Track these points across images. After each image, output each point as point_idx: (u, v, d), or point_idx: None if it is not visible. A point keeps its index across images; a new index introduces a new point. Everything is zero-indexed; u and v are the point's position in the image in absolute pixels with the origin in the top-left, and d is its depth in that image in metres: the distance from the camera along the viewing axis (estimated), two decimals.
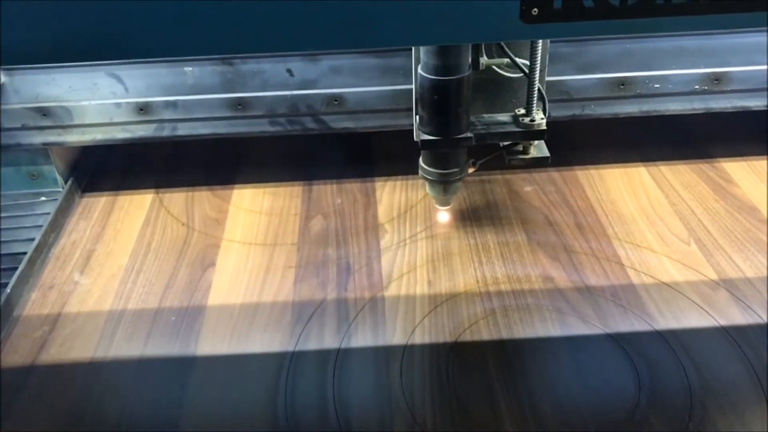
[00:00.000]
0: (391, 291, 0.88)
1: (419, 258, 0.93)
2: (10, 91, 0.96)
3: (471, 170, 0.90)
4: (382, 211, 1.02)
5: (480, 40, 0.75)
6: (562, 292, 0.87)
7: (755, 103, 1.02)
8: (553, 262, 0.92)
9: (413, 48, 0.82)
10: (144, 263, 0.94)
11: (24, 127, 0.98)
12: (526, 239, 0.96)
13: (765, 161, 1.10)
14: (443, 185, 0.89)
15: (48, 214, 1.01)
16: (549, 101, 0.94)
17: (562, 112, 1.01)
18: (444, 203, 0.93)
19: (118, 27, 0.49)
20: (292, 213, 1.03)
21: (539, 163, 0.88)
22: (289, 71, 0.97)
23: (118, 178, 1.12)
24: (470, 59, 0.80)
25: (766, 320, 0.82)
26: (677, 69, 0.99)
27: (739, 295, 0.86)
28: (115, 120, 0.99)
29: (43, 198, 1.05)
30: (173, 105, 0.98)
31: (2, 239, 0.99)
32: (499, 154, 0.89)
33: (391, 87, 0.98)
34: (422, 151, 0.87)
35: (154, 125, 0.99)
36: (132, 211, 1.04)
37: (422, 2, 0.51)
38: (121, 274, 0.92)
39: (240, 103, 0.98)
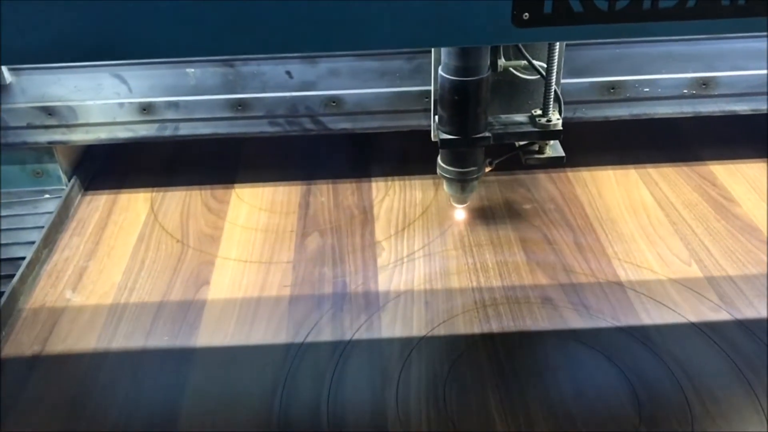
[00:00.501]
0: (387, 311, 0.87)
1: (417, 277, 0.92)
2: (17, 90, 0.98)
3: (488, 169, 0.93)
4: (379, 228, 1.01)
5: (472, 43, 0.78)
6: (561, 314, 0.86)
7: (742, 107, 1.04)
8: (552, 283, 0.91)
9: (433, 50, 0.86)
10: (137, 281, 0.93)
11: (30, 126, 1.01)
12: (525, 259, 0.95)
13: (762, 171, 1.12)
14: (461, 183, 0.93)
15: (51, 213, 1.04)
16: None
17: None
18: (461, 201, 0.97)
19: (119, 28, 0.51)
20: (288, 230, 1.02)
21: (555, 162, 0.92)
22: (288, 73, 0.99)
23: (118, 178, 1.15)
24: (489, 61, 0.83)
25: (767, 343, 0.81)
26: (666, 74, 1.01)
27: (739, 317, 0.85)
28: (119, 120, 1.01)
29: (47, 195, 1.07)
30: (175, 105, 1.00)
31: (2, 241, 1.01)
32: (516, 154, 0.92)
33: (388, 89, 1.01)
34: (441, 150, 0.90)
35: (156, 125, 1.02)
36: (126, 227, 1.03)
37: (416, 5, 0.53)
38: (114, 292, 0.91)
39: (240, 104, 1.01)
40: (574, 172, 1.12)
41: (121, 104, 1.00)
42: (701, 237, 0.98)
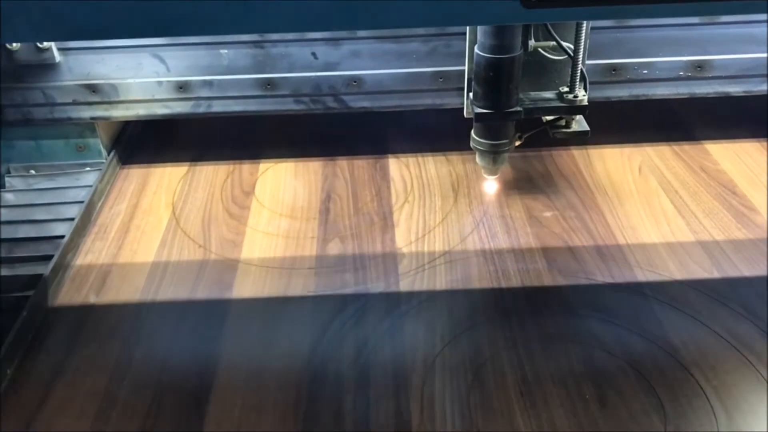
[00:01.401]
0: (410, 319, 0.87)
1: (438, 284, 0.93)
2: (65, 69, 1.07)
3: (517, 143, 1.01)
4: (400, 235, 1.02)
5: (483, 23, 0.86)
6: (585, 323, 0.86)
7: (734, 88, 1.12)
8: (573, 291, 0.91)
9: (468, 31, 0.94)
10: (160, 287, 0.94)
11: (75, 103, 1.09)
12: (547, 267, 0.95)
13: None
14: (493, 155, 1.01)
15: (90, 186, 1.12)
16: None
17: None
18: (492, 173, 1.05)
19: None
20: (309, 236, 1.03)
21: (580, 136, 1.00)
22: (313, 54, 1.08)
23: (151, 152, 1.23)
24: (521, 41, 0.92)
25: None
26: (663, 57, 1.09)
27: (763, 326, 0.85)
28: (157, 97, 1.10)
29: (88, 168, 1.16)
30: (209, 84, 1.09)
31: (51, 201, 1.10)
32: (544, 128, 1.00)
33: (405, 70, 1.09)
34: (475, 124, 0.99)
35: (191, 102, 1.10)
36: (149, 231, 1.04)
37: None
38: (138, 296, 0.92)
39: (269, 83, 1.09)
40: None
41: (160, 82, 1.08)
42: (723, 246, 0.98)
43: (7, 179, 1.14)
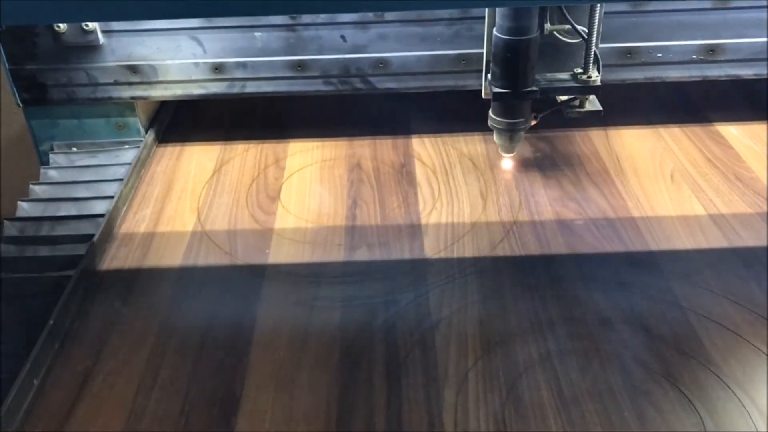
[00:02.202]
0: (441, 331, 0.85)
1: (469, 295, 0.91)
2: (108, 50, 1.13)
3: (533, 122, 1.07)
4: (428, 243, 1.01)
5: (510, 4, 0.92)
6: (620, 336, 0.84)
7: (745, 71, 1.17)
8: (608, 303, 0.89)
9: (487, 14, 0.99)
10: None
11: (116, 83, 1.15)
12: (580, 275, 0.93)
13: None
14: (510, 134, 1.06)
15: (129, 164, 1.18)
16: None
17: None
18: (509, 150, 1.11)
19: None
20: (336, 243, 1.02)
21: (593, 116, 1.05)
22: (342, 37, 1.13)
23: (185, 131, 1.30)
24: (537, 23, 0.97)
25: None
26: (677, 41, 1.14)
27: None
28: (193, 77, 1.15)
29: (127, 146, 1.22)
30: (243, 65, 1.14)
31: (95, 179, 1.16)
32: (558, 108, 1.06)
33: (430, 52, 1.14)
34: (493, 103, 1.04)
35: (226, 83, 1.16)
36: (174, 240, 1.03)
37: None
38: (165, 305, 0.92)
39: (300, 65, 1.15)
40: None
41: (197, 64, 1.14)
42: (762, 258, 0.96)
43: (51, 156, 1.20)
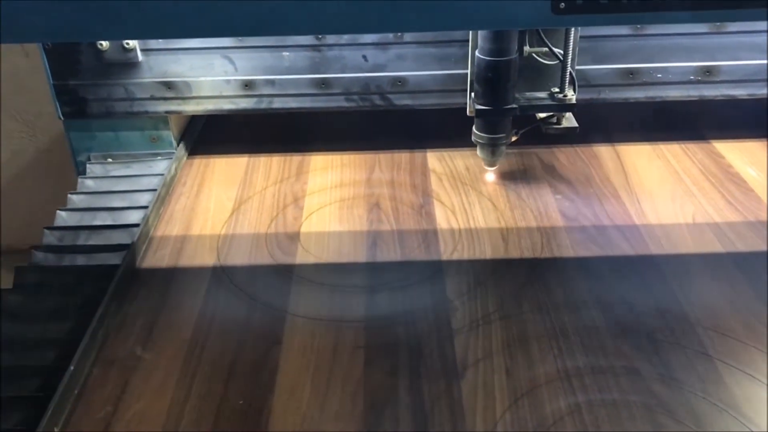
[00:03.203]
0: (467, 379, 0.83)
1: (494, 342, 0.89)
2: (146, 67, 1.21)
3: (514, 138, 1.15)
4: (451, 286, 0.99)
5: (520, 26, 1.01)
6: (649, 387, 0.82)
7: (740, 92, 1.25)
8: (636, 352, 0.87)
9: (471, 37, 1.07)
10: (207, 340, 0.91)
11: (152, 98, 1.24)
12: (605, 324, 0.91)
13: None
14: (492, 148, 1.15)
15: (162, 174, 1.25)
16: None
17: (583, 95, 1.24)
18: (491, 164, 1.19)
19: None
20: (357, 286, 1.00)
21: (570, 132, 1.13)
22: (364, 57, 1.21)
23: (213, 145, 1.38)
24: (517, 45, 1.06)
25: None
26: (675, 62, 1.22)
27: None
28: (224, 94, 1.24)
29: (160, 158, 1.30)
30: (272, 83, 1.23)
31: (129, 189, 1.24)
32: (537, 125, 1.14)
33: (445, 71, 1.22)
34: (476, 119, 1.12)
35: (255, 99, 1.24)
36: (194, 282, 1.03)
37: None
38: (185, 350, 0.90)
39: (324, 83, 1.23)
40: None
41: (228, 81, 1.23)
42: None
43: (88, 166, 1.28)
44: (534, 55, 1.10)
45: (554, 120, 1.14)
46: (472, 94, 1.11)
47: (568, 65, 1.07)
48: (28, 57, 1.35)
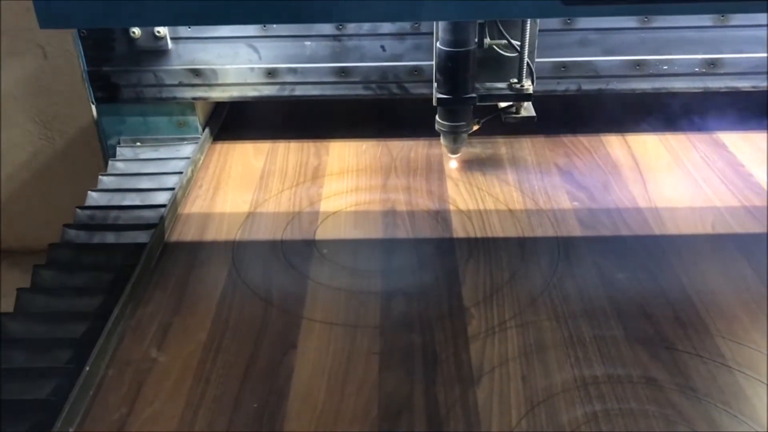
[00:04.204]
0: (483, 386, 0.83)
1: (510, 350, 0.89)
2: (175, 55, 1.28)
3: (476, 127, 1.20)
4: (467, 293, 0.99)
5: (531, 16, 1.06)
6: (667, 397, 0.81)
7: (743, 84, 1.30)
8: (654, 361, 0.86)
9: (434, 30, 1.13)
10: (222, 342, 0.91)
11: (180, 84, 1.30)
12: (623, 334, 0.91)
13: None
14: (453, 136, 1.20)
15: (188, 158, 1.32)
16: (581, 77, 1.26)
17: (591, 86, 1.30)
18: (454, 152, 1.25)
19: None
20: (372, 291, 1.01)
21: (528, 121, 1.19)
22: (382, 47, 1.27)
23: (236, 130, 1.44)
24: (476, 38, 1.10)
25: None
26: (681, 54, 1.27)
27: None
28: (249, 81, 1.30)
29: (186, 142, 1.36)
30: (294, 71, 1.29)
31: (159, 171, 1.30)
32: (498, 114, 1.20)
33: None
34: (438, 108, 1.18)
35: (277, 86, 1.30)
36: (208, 286, 1.03)
37: None
38: (200, 350, 0.90)
39: (343, 71, 1.29)
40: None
41: (252, 69, 1.29)
42: None
43: (117, 149, 1.35)
44: (495, 47, 1.14)
45: (513, 110, 1.19)
46: (436, 82, 1.16)
47: (525, 57, 1.12)
48: (46, 59, 1.40)
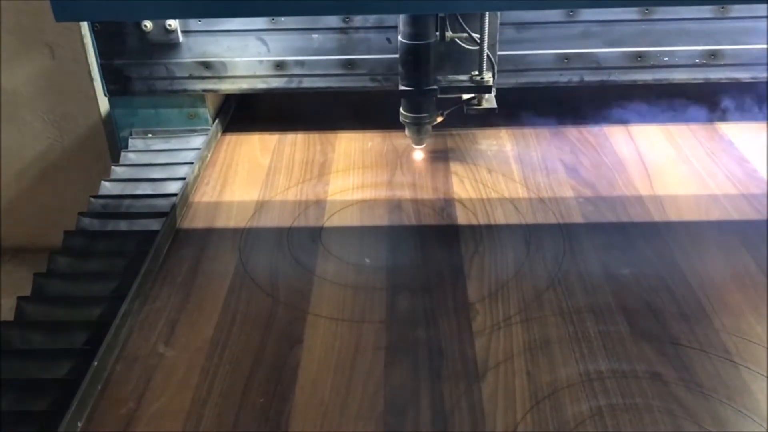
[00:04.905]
0: (488, 382, 0.84)
1: (515, 345, 0.90)
2: (185, 48, 1.30)
3: (439, 119, 1.23)
4: (472, 289, 1.00)
5: (556, 7, 1.08)
6: (672, 392, 0.82)
7: (743, 75, 1.32)
8: (659, 357, 0.87)
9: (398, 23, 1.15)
10: (229, 338, 0.93)
11: (191, 77, 1.33)
12: (629, 329, 0.92)
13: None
14: (417, 127, 1.22)
15: (199, 149, 1.35)
16: (585, 69, 1.28)
17: (593, 77, 1.32)
18: (418, 142, 1.27)
19: None
20: (378, 287, 1.02)
21: (489, 112, 1.21)
22: (388, 39, 1.30)
23: (245, 122, 1.47)
24: (437, 31, 1.13)
25: None
26: (682, 46, 1.29)
27: None
28: (258, 73, 1.33)
29: (196, 134, 1.39)
30: (302, 63, 1.32)
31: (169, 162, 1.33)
32: (461, 105, 1.21)
33: None
34: (402, 99, 1.20)
35: (285, 79, 1.33)
36: (215, 282, 1.04)
37: None
38: (207, 348, 0.91)
39: (350, 63, 1.32)
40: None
41: (261, 61, 1.32)
42: None
43: (129, 141, 1.38)
44: (457, 40, 1.16)
45: (475, 101, 1.21)
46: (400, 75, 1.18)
47: (485, 49, 1.14)
48: (54, 59, 1.42)
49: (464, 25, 1.13)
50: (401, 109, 1.21)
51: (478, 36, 1.12)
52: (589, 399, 0.81)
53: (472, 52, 1.16)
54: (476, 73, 1.16)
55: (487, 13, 1.10)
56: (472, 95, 1.19)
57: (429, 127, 1.22)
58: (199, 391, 0.85)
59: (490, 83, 1.16)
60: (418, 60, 1.13)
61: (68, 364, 0.87)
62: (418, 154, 1.32)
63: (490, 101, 1.21)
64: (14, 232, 1.67)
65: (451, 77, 1.17)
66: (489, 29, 1.11)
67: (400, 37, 1.13)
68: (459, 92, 1.19)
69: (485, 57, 1.14)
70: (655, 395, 0.82)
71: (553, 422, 0.79)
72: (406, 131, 1.24)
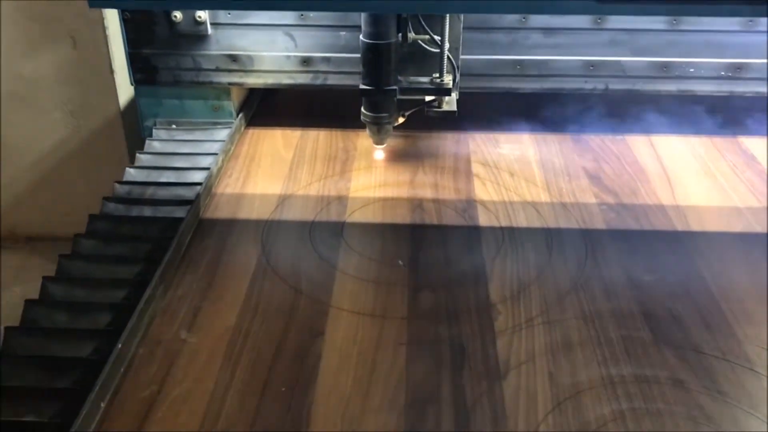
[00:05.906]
0: (509, 381, 0.85)
1: (537, 346, 0.90)
2: (213, 41, 1.31)
3: (401, 120, 1.23)
4: (494, 289, 1.01)
5: (570, 13, 1.09)
6: (694, 399, 0.82)
7: None
8: (681, 363, 0.88)
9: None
10: (251, 327, 0.93)
11: (217, 69, 1.34)
12: (651, 336, 0.92)
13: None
14: (377, 126, 1.22)
15: (223, 141, 1.35)
16: (610, 77, 1.29)
17: (619, 86, 1.33)
18: (378, 142, 1.27)
19: None
20: (400, 284, 1.02)
21: (449, 115, 1.21)
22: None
23: (268, 117, 1.48)
24: (398, 32, 1.12)
25: None
26: (708, 58, 1.30)
27: None
28: (284, 69, 1.33)
29: (220, 126, 1.40)
30: (328, 60, 1.32)
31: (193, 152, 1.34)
32: (422, 107, 1.21)
33: (490, 56, 1.31)
34: (363, 99, 1.20)
35: (311, 75, 1.34)
36: (238, 272, 1.05)
37: None
38: (229, 336, 0.92)
39: None
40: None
41: (288, 56, 1.32)
42: None
43: (154, 130, 1.39)
44: (419, 41, 1.16)
45: (436, 103, 1.21)
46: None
47: (446, 52, 1.14)
48: (75, 49, 1.43)
49: (426, 27, 1.13)
50: (362, 110, 1.21)
51: (439, 38, 1.13)
52: (611, 402, 0.82)
53: (435, 55, 1.16)
54: (437, 75, 1.17)
55: (448, 15, 1.11)
56: (433, 98, 1.20)
57: (390, 127, 1.22)
58: (221, 378, 0.85)
59: (450, 86, 1.16)
60: (378, 60, 1.12)
61: (92, 344, 0.88)
62: (379, 154, 1.33)
63: (450, 104, 1.21)
64: (28, 220, 1.67)
65: (412, 79, 1.18)
66: (451, 32, 1.12)
67: (361, 37, 1.12)
68: (419, 94, 1.19)
69: (446, 59, 1.14)
70: (677, 401, 0.82)
71: (575, 424, 0.79)
72: (368, 131, 1.24)
